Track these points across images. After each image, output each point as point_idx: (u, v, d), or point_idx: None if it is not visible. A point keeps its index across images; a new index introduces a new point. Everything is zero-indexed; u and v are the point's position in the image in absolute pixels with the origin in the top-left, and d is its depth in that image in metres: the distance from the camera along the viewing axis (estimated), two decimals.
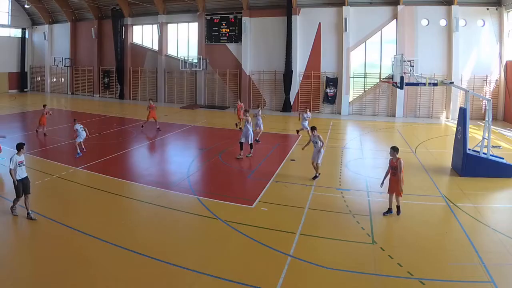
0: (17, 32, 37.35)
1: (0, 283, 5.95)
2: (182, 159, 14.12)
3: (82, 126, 14.29)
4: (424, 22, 23.79)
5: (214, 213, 8.83)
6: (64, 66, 35.37)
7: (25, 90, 37.91)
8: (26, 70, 38.06)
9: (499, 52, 22.84)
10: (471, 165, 11.74)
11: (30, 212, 8.25)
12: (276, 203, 9.55)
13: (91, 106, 29.21)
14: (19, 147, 8.53)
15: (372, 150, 15.94)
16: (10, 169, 8.19)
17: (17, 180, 8.22)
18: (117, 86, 33.66)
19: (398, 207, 8.83)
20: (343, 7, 24.72)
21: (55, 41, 36.81)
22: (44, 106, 17.81)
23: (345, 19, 24.67)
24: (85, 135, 14.22)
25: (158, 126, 19.07)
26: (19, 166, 8.26)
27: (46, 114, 17.34)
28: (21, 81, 37.74)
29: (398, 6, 23.72)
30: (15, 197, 8.36)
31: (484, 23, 22.96)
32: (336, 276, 6.37)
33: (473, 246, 7.29)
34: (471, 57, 23.34)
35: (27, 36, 37.74)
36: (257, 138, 16.40)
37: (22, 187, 8.29)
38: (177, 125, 20.99)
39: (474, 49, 23.32)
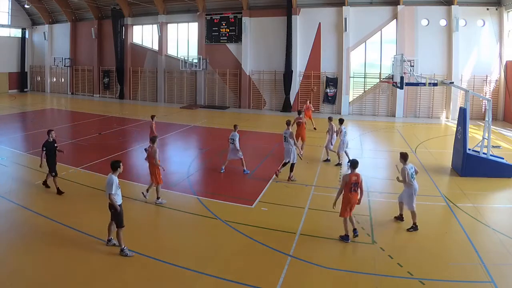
0: (17, 32, 37.34)
1: None
2: (182, 159, 14.11)
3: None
4: (424, 22, 23.79)
5: (214, 213, 8.83)
6: (64, 66, 35.37)
7: (25, 90, 37.89)
8: (26, 70, 38.05)
9: (499, 52, 22.84)
10: (471, 165, 11.74)
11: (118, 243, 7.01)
12: (276, 203, 9.55)
13: (91, 106, 29.21)
14: (116, 165, 6.94)
15: (372, 150, 15.93)
16: (110, 194, 6.69)
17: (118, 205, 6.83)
18: (117, 86, 33.66)
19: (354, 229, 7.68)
20: (343, 7, 24.72)
21: (55, 41, 36.81)
22: (153, 117, 14.34)
23: (345, 19, 24.67)
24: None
25: (314, 126, 19.55)
26: (118, 188, 6.89)
27: (153, 127, 14.06)
28: (21, 81, 37.72)
29: (398, 6, 23.72)
30: (117, 229, 6.88)
31: (484, 23, 22.96)
32: (336, 276, 6.38)
33: (473, 246, 7.30)
34: (471, 57, 23.34)
35: (27, 36, 37.73)
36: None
37: None
38: (177, 125, 20.99)
39: (474, 49, 23.32)
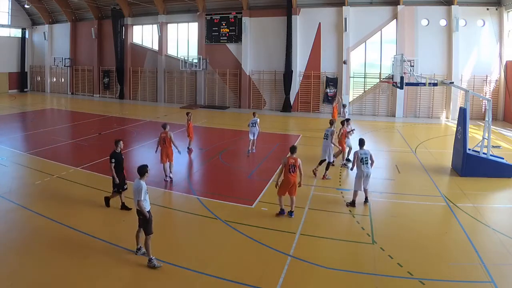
0: (17, 32, 37.34)
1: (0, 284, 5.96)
2: (182, 159, 14.10)
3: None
4: (424, 22, 23.78)
5: (214, 213, 8.83)
6: (64, 66, 35.37)
7: (25, 90, 37.89)
8: (26, 70, 38.05)
9: (499, 52, 22.84)
10: (471, 165, 11.74)
11: (142, 247, 6.82)
12: (276, 203, 9.51)
13: (91, 106, 29.21)
14: (144, 170, 6.69)
15: (372, 150, 15.84)
16: (139, 200, 6.45)
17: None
18: (117, 86, 33.65)
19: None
20: (343, 7, 24.71)
21: (55, 41, 36.80)
22: (188, 114, 15.23)
23: (345, 19, 24.67)
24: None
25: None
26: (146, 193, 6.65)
27: (190, 122, 14.95)
28: (21, 81, 37.71)
29: (398, 6, 23.72)
30: (145, 236, 6.58)
31: (484, 23, 22.95)
32: (336, 276, 6.37)
33: (473, 246, 7.30)
34: (471, 57, 23.33)
35: (27, 36, 37.72)
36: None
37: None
38: (177, 125, 20.97)
39: (474, 49, 23.31)
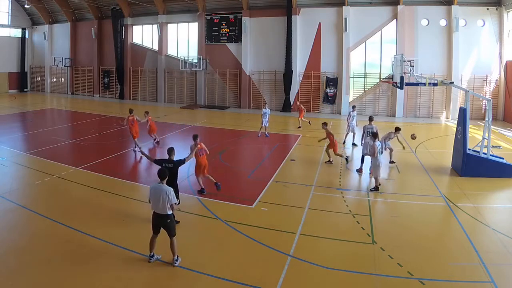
0: (17, 32, 37.34)
1: (0, 284, 5.96)
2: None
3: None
4: (424, 22, 23.79)
5: (214, 213, 8.83)
6: (64, 66, 35.37)
7: (25, 90, 37.90)
8: (26, 70, 38.06)
9: (499, 52, 22.84)
10: (471, 165, 11.74)
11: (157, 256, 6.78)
12: (276, 203, 9.55)
13: (91, 106, 29.21)
14: (165, 174, 6.62)
15: None
16: (173, 204, 6.48)
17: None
18: (117, 86, 33.67)
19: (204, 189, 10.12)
20: (343, 7, 24.72)
21: (55, 41, 36.81)
22: (146, 113, 15.60)
23: (345, 19, 24.68)
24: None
25: (301, 125, 20.67)
26: None
27: (148, 121, 15.60)
28: (21, 81, 37.72)
29: (398, 6, 23.72)
30: (171, 239, 6.59)
31: (484, 23, 22.96)
32: (336, 276, 6.38)
33: (473, 246, 7.30)
34: (471, 57, 23.33)
35: (27, 36, 37.72)
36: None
37: None
38: (177, 125, 20.99)
39: (474, 49, 23.31)
